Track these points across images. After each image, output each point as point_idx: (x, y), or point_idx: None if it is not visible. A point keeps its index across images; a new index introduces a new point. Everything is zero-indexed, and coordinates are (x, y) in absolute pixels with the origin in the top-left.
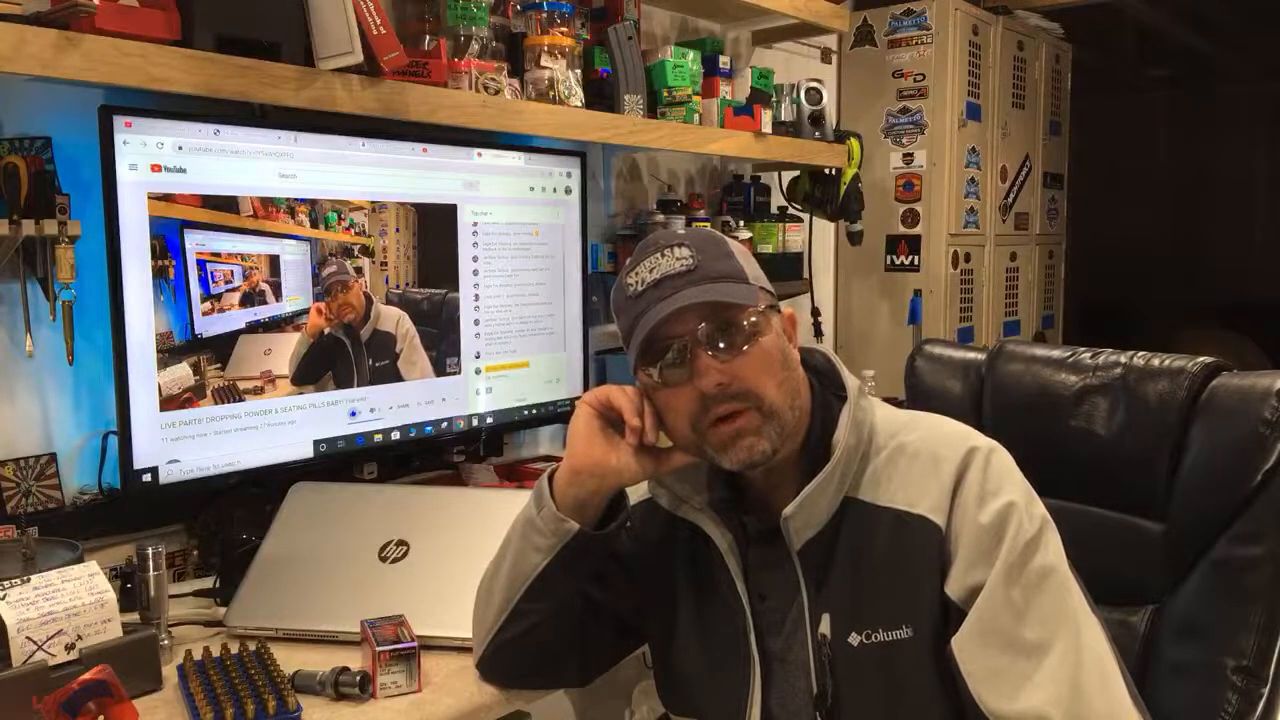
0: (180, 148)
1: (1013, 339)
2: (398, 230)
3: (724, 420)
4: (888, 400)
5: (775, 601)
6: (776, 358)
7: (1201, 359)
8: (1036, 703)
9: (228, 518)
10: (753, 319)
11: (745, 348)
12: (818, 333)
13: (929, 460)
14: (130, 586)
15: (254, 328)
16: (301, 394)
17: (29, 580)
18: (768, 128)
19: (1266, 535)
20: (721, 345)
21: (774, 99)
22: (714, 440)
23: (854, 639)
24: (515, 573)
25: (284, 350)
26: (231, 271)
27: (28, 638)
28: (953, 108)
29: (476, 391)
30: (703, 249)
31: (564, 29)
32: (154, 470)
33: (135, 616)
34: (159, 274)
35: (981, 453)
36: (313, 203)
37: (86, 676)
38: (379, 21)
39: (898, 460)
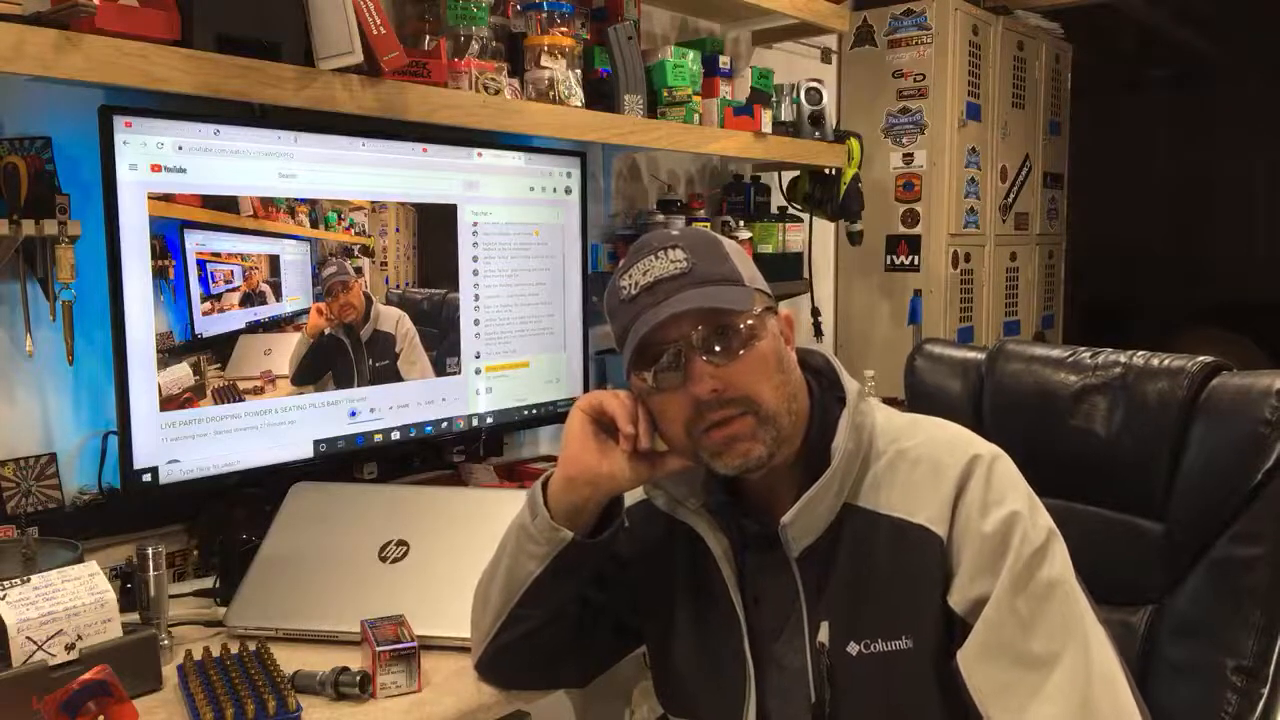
0: (180, 148)
1: (1013, 339)
2: (398, 230)
3: (718, 427)
4: (888, 401)
5: (771, 606)
6: (772, 361)
7: (1201, 359)
8: (1045, 718)
9: (228, 518)
10: (748, 323)
11: (740, 352)
12: (818, 333)
13: (930, 467)
14: (130, 586)
15: (254, 328)
16: (301, 394)
17: (29, 580)
18: (768, 128)
19: (1266, 535)
20: (716, 350)
21: (774, 99)
22: (708, 446)
23: (853, 648)
24: (510, 579)
25: (284, 350)
26: (231, 271)
27: (28, 638)
28: (953, 108)
29: (476, 391)
30: (698, 251)
31: (564, 29)
32: (154, 470)
33: (135, 616)
34: (159, 274)
35: (984, 461)
36: (313, 203)
37: (86, 676)
38: (379, 21)
39: (898, 466)
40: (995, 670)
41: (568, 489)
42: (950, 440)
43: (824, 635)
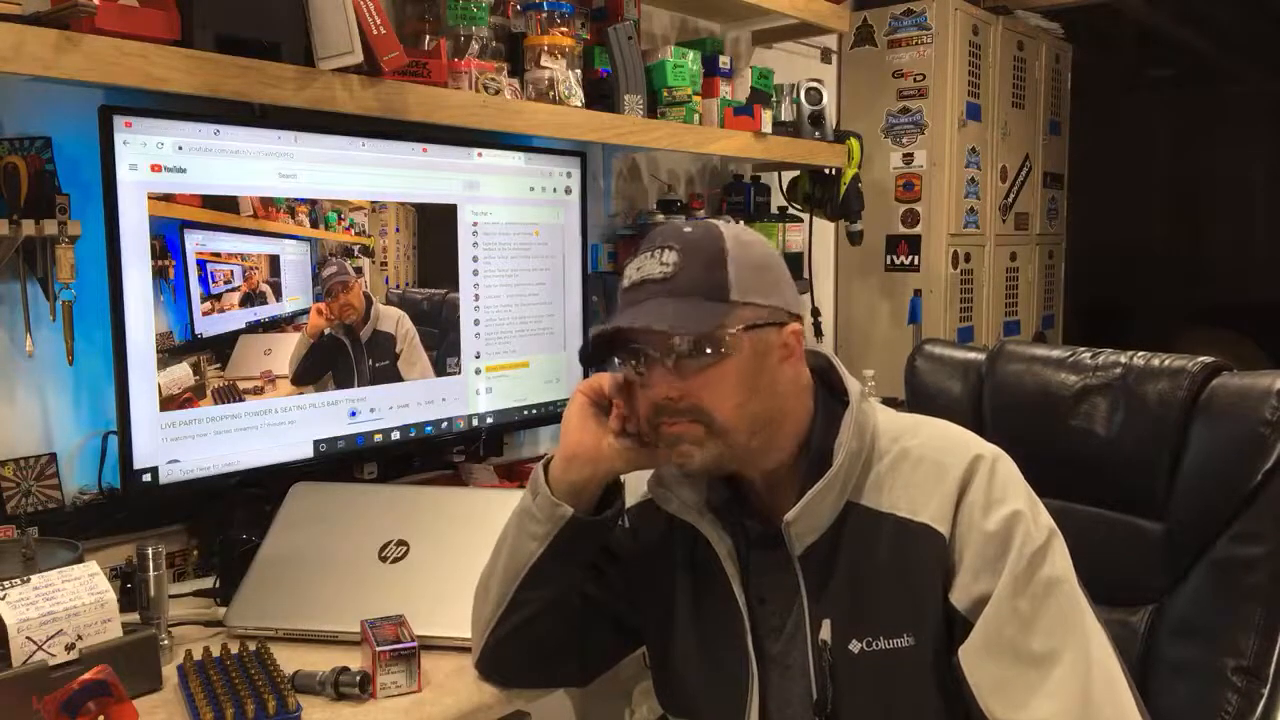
0: (180, 148)
1: (1013, 339)
2: (398, 230)
3: (669, 425)
4: (887, 401)
5: (774, 605)
6: (741, 380)
7: (1201, 359)
8: (1045, 714)
9: (228, 518)
10: (715, 340)
11: (702, 366)
12: (818, 333)
13: (933, 467)
14: (130, 586)
15: (254, 328)
16: (301, 394)
17: (29, 580)
18: (768, 128)
19: (1266, 535)
20: (678, 360)
21: (774, 99)
22: (660, 438)
23: (855, 646)
24: (512, 563)
25: (284, 350)
26: (231, 271)
27: (28, 638)
28: (953, 108)
29: (476, 391)
30: (691, 255)
31: (564, 29)
32: (154, 470)
33: (135, 616)
34: (159, 274)
35: (986, 461)
36: (313, 203)
37: (86, 676)
38: (379, 21)
39: (901, 466)
40: (996, 667)
41: (568, 468)
42: (953, 440)
43: (826, 633)
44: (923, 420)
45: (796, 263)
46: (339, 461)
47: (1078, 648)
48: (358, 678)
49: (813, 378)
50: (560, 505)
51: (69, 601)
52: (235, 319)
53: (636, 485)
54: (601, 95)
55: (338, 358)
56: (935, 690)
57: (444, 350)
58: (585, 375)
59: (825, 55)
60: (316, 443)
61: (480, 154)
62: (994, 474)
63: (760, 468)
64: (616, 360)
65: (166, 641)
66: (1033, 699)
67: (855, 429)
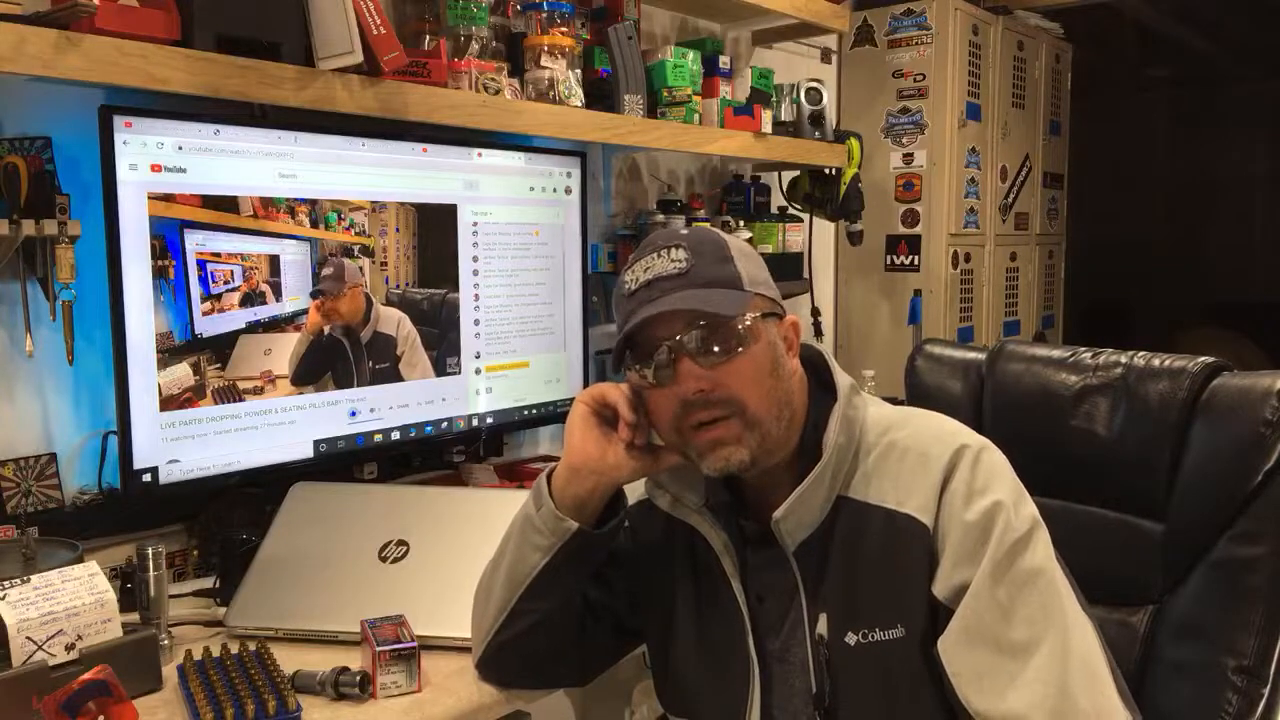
0: (180, 148)
1: (1013, 339)
2: (398, 230)
3: (704, 428)
4: (887, 400)
5: (773, 602)
6: (764, 367)
7: (1201, 359)
8: (1022, 704)
9: (228, 518)
10: (741, 327)
11: (729, 356)
12: (818, 333)
13: (918, 458)
14: (130, 586)
15: (254, 328)
16: (301, 394)
17: (29, 580)
18: (768, 128)
19: (1266, 535)
20: (705, 351)
21: (774, 99)
22: (695, 445)
23: (851, 638)
24: (514, 572)
25: (284, 350)
26: (231, 271)
27: (28, 638)
28: (953, 108)
29: (476, 391)
30: (699, 251)
31: (564, 29)
32: (154, 470)
33: (135, 616)
34: (159, 274)
35: (971, 451)
36: (313, 203)
37: (86, 676)
38: (379, 21)
39: (888, 458)
40: (975, 657)
41: (572, 480)
42: (939, 431)
43: (823, 627)
44: (913, 412)
45: (796, 263)
46: (339, 461)
47: (1057, 638)
48: (358, 678)
49: (806, 373)
50: (565, 520)
51: (69, 601)
52: (235, 319)
53: (634, 485)
54: (601, 95)
55: (337, 361)
56: (930, 680)
57: (444, 350)
58: (585, 383)
59: (825, 55)
60: (316, 443)
61: (480, 154)
62: (978, 464)
63: (774, 459)
64: (623, 367)
65: (166, 641)
66: (1010, 689)
67: (843, 424)
